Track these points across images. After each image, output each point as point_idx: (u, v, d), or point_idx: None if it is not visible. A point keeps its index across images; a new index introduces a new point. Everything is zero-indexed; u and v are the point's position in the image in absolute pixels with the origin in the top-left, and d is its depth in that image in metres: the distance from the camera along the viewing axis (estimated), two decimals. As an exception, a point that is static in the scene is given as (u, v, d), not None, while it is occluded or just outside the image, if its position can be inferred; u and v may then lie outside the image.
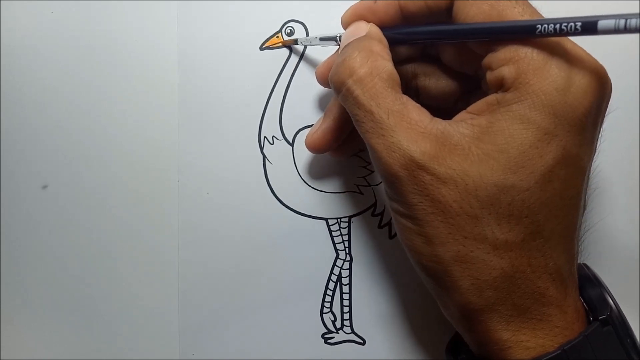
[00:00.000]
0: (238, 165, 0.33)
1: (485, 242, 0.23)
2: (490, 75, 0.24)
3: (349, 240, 0.33)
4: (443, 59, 0.28)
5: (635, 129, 0.33)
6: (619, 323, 0.24)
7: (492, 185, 0.22)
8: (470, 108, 0.24)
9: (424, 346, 0.33)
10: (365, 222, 0.33)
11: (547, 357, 0.23)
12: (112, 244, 0.34)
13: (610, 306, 0.25)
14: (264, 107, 0.33)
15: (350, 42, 0.26)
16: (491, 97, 0.24)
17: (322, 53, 0.32)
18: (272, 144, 0.33)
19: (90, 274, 0.34)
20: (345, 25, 0.28)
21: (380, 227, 0.33)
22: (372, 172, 0.33)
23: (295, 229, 0.33)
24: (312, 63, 0.33)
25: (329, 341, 0.33)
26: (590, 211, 0.32)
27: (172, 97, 0.33)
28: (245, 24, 0.33)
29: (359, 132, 0.25)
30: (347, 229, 0.33)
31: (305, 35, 0.33)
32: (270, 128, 0.33)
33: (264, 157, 0.33)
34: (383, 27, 0.27)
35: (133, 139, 0.33)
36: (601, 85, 0.23)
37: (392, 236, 0.33)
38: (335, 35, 0.29)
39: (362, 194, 0.33)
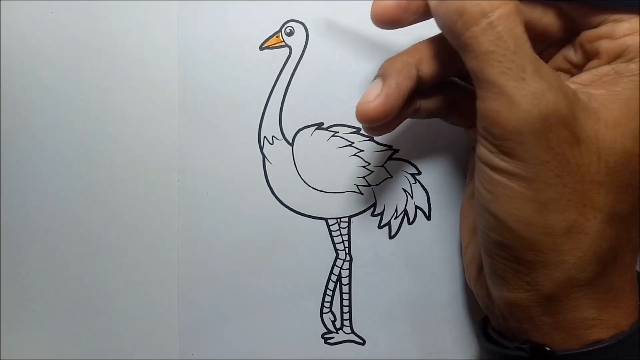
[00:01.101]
0: (238, 165, 0.33)
1: (603, 210, 0.22)
2: (608, 44, 0.23)
3: (349, 240, 0.33)
4: (533, 21, 0.25)
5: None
6: None
7: (622, 152, 0.22)
8: (575, 79, 0.24)
9: (424, 346, 0.33)
10: (365, 222, 0.33)
11: (623, 337, 0.22)
12: (112, 244, 0.34)
13: None
14: (263, 107, 0.33)
15: None
16: (605, 68, 0.23)
17: (323, 53, 0.32)
18: (272, 144, 0.33)
19: (90, 273, 0.34)
20: None
21: (380, 227, 0.33)
22: (372, 172, 0.33)
23: (295, 229, 0.33)
24: (312, 63, 0.33)
25: (328, 341, 0.33)
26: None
27: (172, 97, 0.33)
28: (245, 24, 0.33)
29: (486, 74, 0.22)
30: (347, 229, 0.33)
31: (305, 35, 0.33)
32: (270, 128, 0.33)
33: (264, 157, 0.33)
34: None
35: (133, 139, 0.33)
36: None
37: (392, 236, 0.33)
38: None
39: (362, 194, 0.33)
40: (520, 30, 0.22)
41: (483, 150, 0.23)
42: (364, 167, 0.33)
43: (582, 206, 0.22)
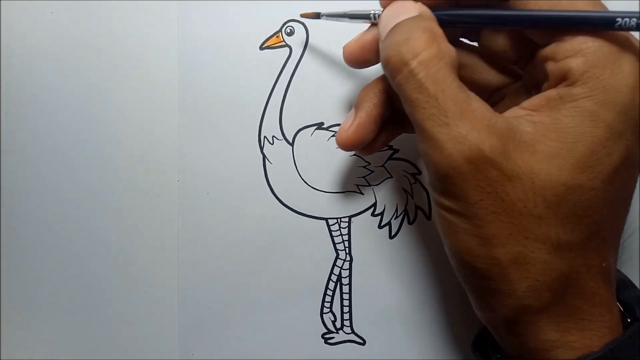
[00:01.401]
0: (238, 165, 0.33)
1: (547, 242, 0.22)
2: (552, 67, 0.22)
3: (349, 240, 0.33)
4: (486, 45, 0.26)
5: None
6: None
7: (560, 185, 0.22)
8: (525, 104, 0.23)
9: (424, 346, 0.33)
10: (365, 222, 0.33)
11: (593, 357, 0.22)
12: (112, 243, 0.34)
13: None
14: (264, 107, 0.33)
15: (406, 22, 0.24)
16: (551, 92, 0.22)
17: (323, 53, 0.32)
18: (272, 144, 0.33)
19: (90, 273, 0.34)
20: (384, 4, 0.25)
21: (380, 227, 0.33)
22: (372, 172, 0.33)
23: (295, 229, 0.33)
24: (312, 63, 0.33)
25: (329, 341, 0.33)
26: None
27: (172, 97, 0.33)
28: (245, 24, 0.33)
29: (414, 119, 0.23)
30: (347, 229, 0.33)
31: (305, 35, 0.33)
32: (270, 128, 0.33)
33: (264, 157, 0.33)
34: (431, 8, 0.25)
35: (133, 139, 0.33)
36: None
37: (392, 236, 0.33)
38: (369, 12, 0.26)
39: (362, 194, 0.33)
40: (442, 74, 0.22)
41: (430, 189, 0.24)
42: (364, 167, 0.33)
43: (524, 239, 0.22)
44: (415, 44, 0.22)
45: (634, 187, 0.24)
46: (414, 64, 0.22)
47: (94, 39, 0.33)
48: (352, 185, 0.33)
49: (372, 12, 0.26)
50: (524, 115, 0.23)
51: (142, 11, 0.33)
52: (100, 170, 0.34)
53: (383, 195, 0.33)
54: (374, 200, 0.33)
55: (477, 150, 0.21)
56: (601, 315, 0.23)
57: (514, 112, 0.23)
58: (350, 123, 0.28)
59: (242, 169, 0.33)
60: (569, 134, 0.22)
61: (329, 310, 0.33)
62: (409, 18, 0.24)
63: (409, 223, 0.33)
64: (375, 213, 0.33)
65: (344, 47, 0.27)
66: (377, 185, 0.33)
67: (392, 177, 0.33)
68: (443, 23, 0.24)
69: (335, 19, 0.28)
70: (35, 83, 0.34)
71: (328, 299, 0.33)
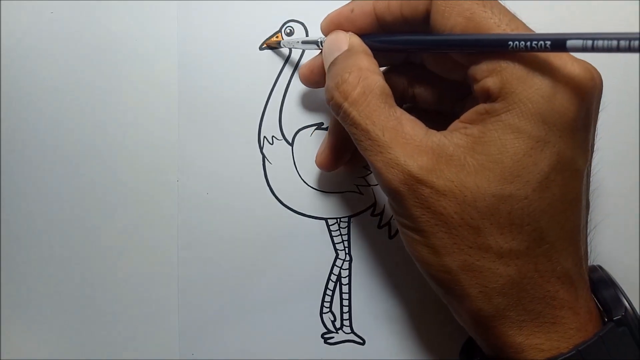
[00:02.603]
0: (238, 165, 0.33)
1: (489, 251, 0.23)
2: (476, 86, 0.24)
3: (349, 240, 0.33)
4: (428, 66, 0.28)
5: (636, 125, 0.33)
6: (634, 323, 0.24)
7: (490, 196, 0.23)
8: (463, 117, 0.25)
9: (424, 346, 0.33)
10: (365, 222, 0.33)
11: (561, 358, 0.23)
12: (112, 243, 0.34)
13: (625, 307, 0.25)
14: (263, 107, 0.33)
15: (337, 60, 0.26)
16: (480, 107, 0.24)
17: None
18: (272, 144, 0.33)
19: (90, 273, 0.34)
20: (325, 32, 0.28)
21: (380, 227, 0.33)
22: (372, 172, 0.33)
23: (295, 229, 0.33)
24: (311, 63, 0.33)
25: (328, 341, 0.33)
26: (593, 210, 0.32)
27: (172, 97, 0.33)
28: (245, 24, 0.33)
29: (359, 150, 0.26)
30: (346, 229, 0.33)
31: (305, 35, 0.33)
32: (270, 128, 0.33)
33: (264, 157, 0.33)
34: (362, 35, 0.27)
35: (133, 139, 0.33)
36: (589, 87, 0.23)
37: (391, 236, 0.33)
38: (316, 39, 0.29)
39: (362, 194, 0.33)
40: (371, 108, 0.24)
41: (390, 205, 0.26)
42: (364, 167, 0.33)
43: (468, 248, 0.23)
44: (344, 88, 0.25)
45: (579, 188, 0.24)
46: (345, 105, 0.25)
47: (94, 39, 0.33)
48: (352, 185, 0.33)
49: (319, 39, 0.29)
50: (460, 128, 0.24)
51: (142, 11, 0.33)
52: (100, 170, 0.34)
53: (383, 195, 0.33)
54: (373, 200, 0.33)
55: (406, 172, 0.23)
56: (565, 317, 0.24)
57: (454, 125, 0.25)
58: (323, 147, 0.31)
59: (242, 169, 0.33)
60: (493, 147, 0.23)
61: (328, 310, 0.33)
62: (341, 55, 0.26)
63: (409, 223, 0.33)
64: (375, 213, 0.33)
65: (299, 69, 0.31)
66: (376, 185, 0.33)
67: (391, 177, 0.33)
68: (377, 49, 0.27)
69: (292, 46, 0.31)
70: (35, 83, 0.34)
71: (328, 298, 0.33)
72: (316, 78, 0.30)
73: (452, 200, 0.23)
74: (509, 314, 0.24)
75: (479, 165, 0.23)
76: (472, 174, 0.23)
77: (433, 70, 0.28)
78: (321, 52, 0.29)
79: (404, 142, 0.24)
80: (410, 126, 0.24)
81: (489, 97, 0.23)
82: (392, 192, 0.24)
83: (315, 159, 0.31)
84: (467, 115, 0.24)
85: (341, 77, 0.25)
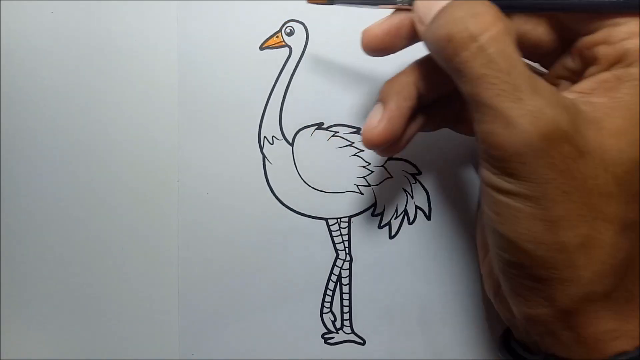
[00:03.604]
0: (238, 165, 0.33)
1: (615, 222, 0.21)
2: (606, 50, 0.22)
3: (349, 240, 0.33)
4: (519, 38, 0.24)
5: None
6: None
7: (630, 161, 0.21)
8: (576, 88, 0.23)
9: (424, 346, 0.33)
10: (365, 222, 0.33)
11: None
12: (112, 243, 0.34)
13: None
14: (263, 107, 0.33)
15: (461, 1, 0.22)
16: (605, 75, 0.22)
17: (323, 53, 0.32)
18: (272, 144, 0.33)
19: (90, 273, 0.34)
20: None
21: (380, 227, 0.33)
22: (372, 172, 0.33)
23: (295, 229, 0.33)
24: (312, 63, 0.33)
25: (329, 341, 0.33)
26: None
27: (172, 97, 0.33)
28: (245, 24, 0.33)
29: (480, 98, 0.21)
30: (347, 229, 0.33)
31: (305, 35, 0.33)
32: (270, 128, 0.33)
33: (264, 157, 0.33)
34: None
35: (133, 139, 0.33)
36: None
37: (392, 236, 0.33)
38: None
39: (362, 194, 0.33)
40: (511, 50, 0.21)
41: (486, 173, 0.22)
42: (364, 167, 0.33)
43: (593, 220, 0.21)
44: (484, 19, 0.21)
45: None
46: (484, 38, 0.21)
47: (94, 39, 0.33)
48: (352, 185, 0.33)
49: None
50: (578, 98, 0.22)
51: (142, 11, 0.33)
52: (100, 170, 0.34)
53: (383, 196, 0.33)
54: (374, 200, 0.33)
55: (554, 125, 0.21)
56: None
57: (567, 95, 0.23)
58: (379, 118, 0.26)
59: (242, 169, 0.33)
60: (633, 110, 0.21)
61: (328, 310, 0.33)
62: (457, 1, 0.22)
63: (409, 223, 0.33)
64: (375, 213, 0.33)
65: (363, 33, 0.26)
66: (377, 185, 0.33)
67: (392, 177, 0.33)
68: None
69: (349, 4, 0.26)
70: (35, 83, 0.34)
71: (328, 299, 0.33)
72: (393, 41, 0.25)
73: (590, 164, 0.21)
74: (614, 295, 0.22)
75: (618, 129, 0.21)
76: (613, 136, 0.21)
77: (524, 43, 0.25)
78: (396, 12, 0.25)
79: (547, 94, 0.21)
80: (545, 82, 0.22)
81: (620, 61, 0.22)
82: (524, 148, 0.21)
83: (364, 134, 0.26)
84: (583, 85, 0.23)
85: (477, 9, 0.21)
